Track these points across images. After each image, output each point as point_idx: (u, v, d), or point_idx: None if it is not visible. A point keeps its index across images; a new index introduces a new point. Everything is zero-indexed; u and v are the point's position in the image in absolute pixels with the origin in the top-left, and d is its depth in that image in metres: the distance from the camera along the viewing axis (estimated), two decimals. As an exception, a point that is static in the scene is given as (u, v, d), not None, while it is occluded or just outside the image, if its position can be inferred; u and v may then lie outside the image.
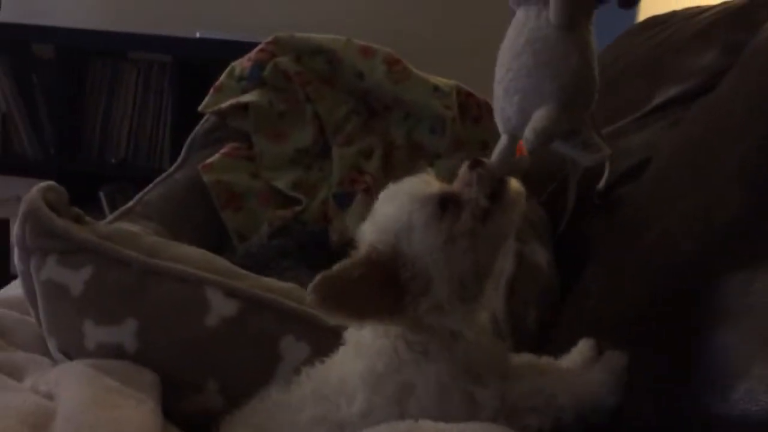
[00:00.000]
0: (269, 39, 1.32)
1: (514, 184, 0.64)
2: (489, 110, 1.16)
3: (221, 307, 0.77)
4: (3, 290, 1.14)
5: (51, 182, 0.85)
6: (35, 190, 0.82)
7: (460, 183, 0.64)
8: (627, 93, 1.18)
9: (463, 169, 0.64)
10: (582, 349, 0.70)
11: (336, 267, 0.60)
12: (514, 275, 0.92)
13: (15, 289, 1.09)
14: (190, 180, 1.23)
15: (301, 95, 1.29)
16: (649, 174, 0.89)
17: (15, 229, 0.83)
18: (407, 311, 0.61)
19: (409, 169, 0.68)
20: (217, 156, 1.24)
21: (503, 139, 0.69)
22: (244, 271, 0.82)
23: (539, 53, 0.77)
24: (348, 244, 1.20)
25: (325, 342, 0.71)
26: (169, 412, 0.74)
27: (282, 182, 1.24)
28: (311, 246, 1.18)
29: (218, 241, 1.19)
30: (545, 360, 0.71)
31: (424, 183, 0.64)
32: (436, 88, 1.26)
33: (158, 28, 2.31)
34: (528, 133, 0.66)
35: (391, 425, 0.59)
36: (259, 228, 1.20)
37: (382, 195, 0.65)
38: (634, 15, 2.25)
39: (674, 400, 0.60)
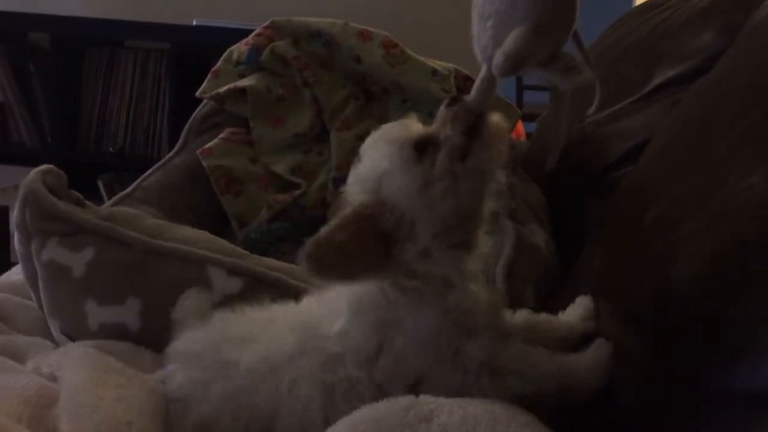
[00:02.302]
0: (266, 23, 1.32)
1: (495, 117, 0.62)
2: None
3: (224, 285, 0.77)
4: (3, 276, 1.15)
5: (49, 165, 0.85)
6: (34, 173, 0.83)
7: (438, 123, 0.62)
8: (626, 75, 1.17)
9: (441, 108, 0.63)
10: (580, 304, 0.71)
11: (324, 230, 0.59)
12: (513, 256, 0.92)
13: (15, 274, 1.10)
14: (188, 165, 1.23)
15: (299, 80, 1.29)
16: (647, 155, 0.89)
17: (15, 213, 0.83)
18: (397, 260, 0.60)
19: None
20: (215, 141, 1.24)
21: (482, 70, 0.66)
22: (245, 252, 0.82)
23: None
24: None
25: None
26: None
27: (281, 167, 1.24)
28: (310, 230, 1.17)
29: (217, 226, 1.19)
30: (544, 316, 0.71)
31: (403, 127, 0.63)
32: (434, 72, 1.26)
33: (155, 16, 2.31)
34: (497, 57, 0.63)
35: (391, 401, 0.59)
36: (259, 212, 1.20)
37: (364, 144, 0.64)
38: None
39: (677, 374, 0.61)
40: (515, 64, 0.62)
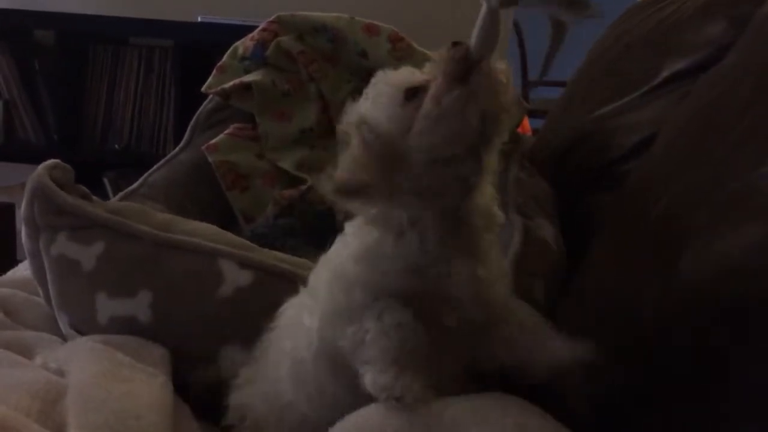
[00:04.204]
0: (272, 18, 1.32)
1: (495, 64, 0.59)
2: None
3: (235, 278, 0.77)
4: (10, 272, 1.15)
5: (56, 160, 0.85)
6: (41, 168, 0.83)
7: (432, 68, 0.60)
8: (633, 68, 1.17)
9: (442, 51, 0.60)
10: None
11: (343, 164, 0.61)
12: (521, 251, 0.92)
13: (22, 270, 1.10)
14: (194, 161, 1.23)
15: (305, 75, 1.29)
16: (656, 148, 0.89)
17: (23, 208, 0.83)
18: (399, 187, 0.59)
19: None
20: (221, 136, 1.24)
21: (482, 10, 0.62)
22: (254, 245, 0.82)
23: None
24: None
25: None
26: (182, 385, 0.74)
27: (287, 162, 1.24)
28: (317, 225, 1.18)
29: (224, 222, 1.19)
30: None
31: (406, 74, 0.62)
32: (440, 66, 1.25)
33: (159, 13, 2.31)
34: None
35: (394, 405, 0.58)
36: (265, 208, 1.20)
37: (371, 82, 0.64)
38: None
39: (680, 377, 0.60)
40: None
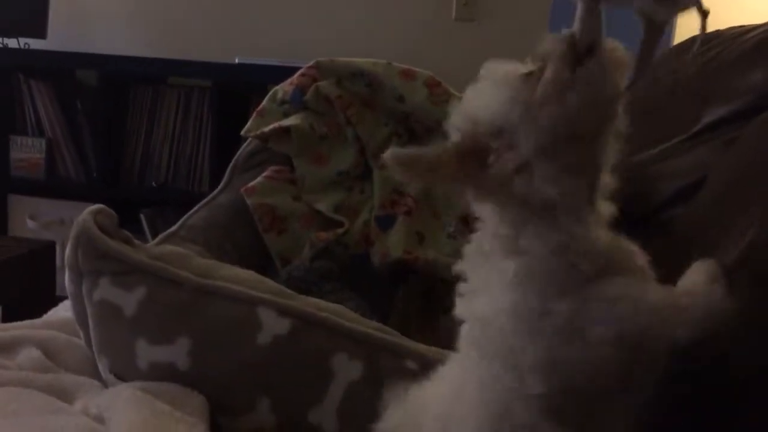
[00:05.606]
0: (310, 64, 1.34)
1: (610, 44, 0.55)
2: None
3: (274, 326, 0.77)
4: (50, 312, 1.16)
5: (101, 205, 0.86)
6: (86, 213, 0.84)
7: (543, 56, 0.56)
8: (674, 113, 1.15)
9: (549, 40, 0.56)
10: (698, 270, 0.60)
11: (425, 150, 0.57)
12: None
13: (62, 311, 1.11)
14: (232, 203, 1.24)
15: (342, 119, 1.30)
16: (703, 196, 0.87)
17: (67, 252, 0.84)
18: (494, 172, 0.54)
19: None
20: (259, 179, 1.25)
21: (579, 6, 0.60)
22: (293, 292, 0.82)
23: None
24: (390, 266, 1.20)
25: (379, 360, 0.70)
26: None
27: (324, 205, 1.24)
28: (353, 268, 1.18)
29: (261, 264, 1.19)
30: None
31: (510, 65, 0.58)
32: (477, 110, 1.26)
33: (198, 54, 2.36)
34: None
35: None
36: (302, 251, 1.20)
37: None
38: (669, 36, 2.21)
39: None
40: None
